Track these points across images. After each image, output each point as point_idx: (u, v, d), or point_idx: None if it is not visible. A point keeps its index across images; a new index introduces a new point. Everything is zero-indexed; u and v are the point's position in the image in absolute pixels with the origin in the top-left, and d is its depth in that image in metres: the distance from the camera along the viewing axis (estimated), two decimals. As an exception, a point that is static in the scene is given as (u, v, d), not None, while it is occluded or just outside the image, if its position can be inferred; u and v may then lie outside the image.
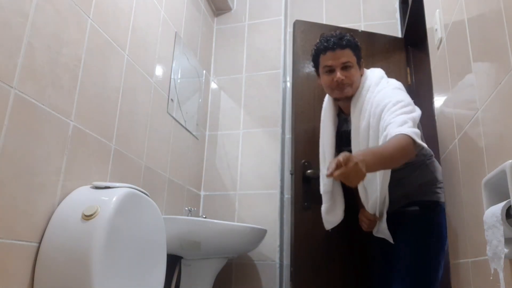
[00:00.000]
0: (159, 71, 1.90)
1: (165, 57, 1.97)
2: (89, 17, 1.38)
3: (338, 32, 1.49)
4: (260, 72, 2.48)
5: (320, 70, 1.51)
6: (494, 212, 0.83)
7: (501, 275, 0.81)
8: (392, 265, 1.36)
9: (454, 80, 1.30)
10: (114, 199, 1.17)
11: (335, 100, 1.57)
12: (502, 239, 0.79)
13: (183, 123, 2.14)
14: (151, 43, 1.83)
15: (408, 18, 2.16)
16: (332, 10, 2.62)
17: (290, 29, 2.59)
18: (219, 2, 2.64)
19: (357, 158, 1.00)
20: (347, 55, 1.44)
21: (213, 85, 2.58)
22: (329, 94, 1.57)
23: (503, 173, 0.81)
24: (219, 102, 2.54)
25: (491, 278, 0.89)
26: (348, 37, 1.46)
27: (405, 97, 1.37)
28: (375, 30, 2.38)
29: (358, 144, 1.44)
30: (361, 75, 1.51)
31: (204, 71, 2.48)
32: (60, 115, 1.22)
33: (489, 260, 0.87)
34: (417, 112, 1.37)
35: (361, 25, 2.51)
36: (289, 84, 2.46)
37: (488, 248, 0.87)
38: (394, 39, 2.33)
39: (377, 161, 1.10)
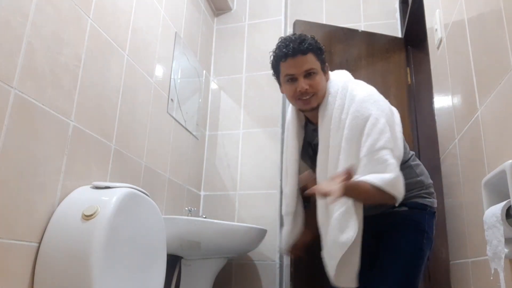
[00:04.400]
0: (159, 71, 1.90)
1: (165, 57, 1.97)
2: (89, 17, 1.38)
3: (297, 35, 1.32)
4: (260, 72, 2.48)
5: (281, 78, 1.35)
6: (494, 212, 0.83)
7: (501, 275, 0.81)
8: (375, 264, 1.27)
9: (454, 80, 1.30)
10: (114, 199, 1.17)
11: (301, 111, 1.42)
12: (502, 239, 0.79)
13: (183, 123, 2.14)
14: (151, 43, 1.83)
15: (408, 18, 2.16)
16: (332, 10, 2.62)
17: (290, 29, 2.58)
18: (219, 2, 2.64)
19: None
20: (310, 61, 1.29)
21: (213, 85, 2.58)
22: (293, 105, 1.42)
23: (503, 173, 0.81)
24: (219, 102, 2.54)
25: (491, 278, 0.89)
26: (309, 40, 1.29)
27: (384, 106, 1.27)
28: (375, 30, 2.38)
29: (327, 157, 1.30)
30: (327, 80, 1.35)
31: (204, 71, 2.48)
32: (60, 115, 1.22)
33: (489, 260, 0.87)
34: (398, 126, 1.32)
35: (361, 25, 2.51)
36: (289, 84, 2.46)
37: (488, 248, 0.87)
38: (394, 39, 2.33)
39: (352, 195, 1.15)
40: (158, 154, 1.86)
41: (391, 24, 2.48)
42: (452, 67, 1.32)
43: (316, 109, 1.34)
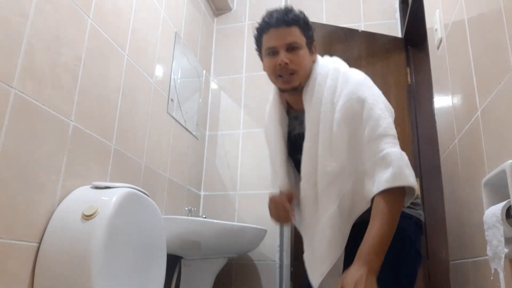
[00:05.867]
0: (159, 71, 1.90)
1: (165, 57, 1.97)
2: (89, 17, 1.38)
3: (284, 6, 1.20)
4: (260, 72, 2.45)
5: (263, 52, 1.21)
6: (494, 212, 0.83)
7: (501, 275, 0.81)
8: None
9: (454, 80, 1.30)
10: (114, 199, 1.17)
11: (281, 91, 1.27)
12: (502, 239, 0.79)
13: (183, 123, 2.14)
14: (151, 43, 1.83)
15: (408, 18, 2.16)
16: (332, 10, 2.62)
17: (290, 29, 2.59)
18: (219, 2, 2.64)
19: (363, 277, 0.91)
20: (294, 35, 1.15)
21: (213, 85, 2.58)
22: (274, 83, 1.26)
23: (503, 173, 0.81)
24: (219, 102, 2.54)
25: (491, 278, 0.89)
26: (296, 12, 1.17)
27: (379, 93, 1.15)
28: (375, 30, 2.38)
29: (316, 143, 1.14)
30: (314, 62, 1.21)
31: (204, 71, 2.48)
32: (60, 115, 1.22)
33: (489, 260, 0.87)
34: (391, 111, 1.17)
35: (361, 25, 2.51)
36: (289, 84, 2.46)
37: (488, 248, 0.87)
38: (394, 39, 2.33)
39: (382, 253, 0.97)
40: (158, 154, 1.86)
41: (391, 24, 2.48)
42: (452, 67, 1.32)
43: (297, 90, 1.20)
